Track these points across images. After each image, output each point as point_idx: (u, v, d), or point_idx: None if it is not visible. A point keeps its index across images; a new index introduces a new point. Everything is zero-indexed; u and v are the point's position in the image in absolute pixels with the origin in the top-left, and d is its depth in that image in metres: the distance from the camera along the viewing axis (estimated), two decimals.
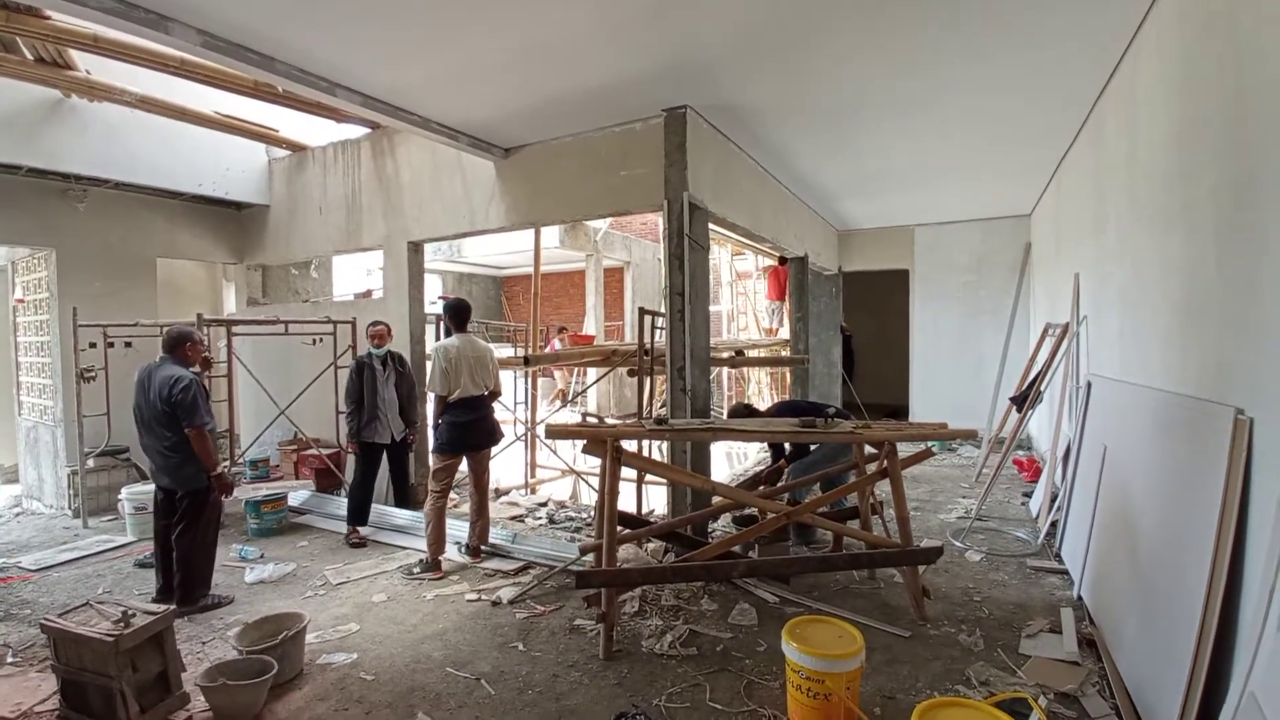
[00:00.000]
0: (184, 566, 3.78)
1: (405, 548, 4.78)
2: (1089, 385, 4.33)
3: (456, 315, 4.58)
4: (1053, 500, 4.79)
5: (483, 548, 4.56)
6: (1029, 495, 5.85)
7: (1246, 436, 2.11)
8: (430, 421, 4.58)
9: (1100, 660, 2.99)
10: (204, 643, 3.41)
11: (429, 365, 4.48)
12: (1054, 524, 4.59)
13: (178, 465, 3.77)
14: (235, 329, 6.04)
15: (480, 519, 4.58)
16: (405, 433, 5.32)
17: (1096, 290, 4.56)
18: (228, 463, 6.55)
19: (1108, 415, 3.83)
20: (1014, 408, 6.10)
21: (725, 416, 5.45)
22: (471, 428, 4.42)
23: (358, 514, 5.06)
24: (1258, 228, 2.06)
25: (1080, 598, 3.62)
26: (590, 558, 4.06)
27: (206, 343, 4.25)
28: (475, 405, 4.43)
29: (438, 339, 4.76)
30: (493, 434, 4.60)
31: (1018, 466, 6.84)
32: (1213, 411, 2.34)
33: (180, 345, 3.92)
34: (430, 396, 4.60)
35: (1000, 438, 6.49)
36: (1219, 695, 2.04)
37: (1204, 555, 2.17)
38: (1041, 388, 5.58)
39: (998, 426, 6.99)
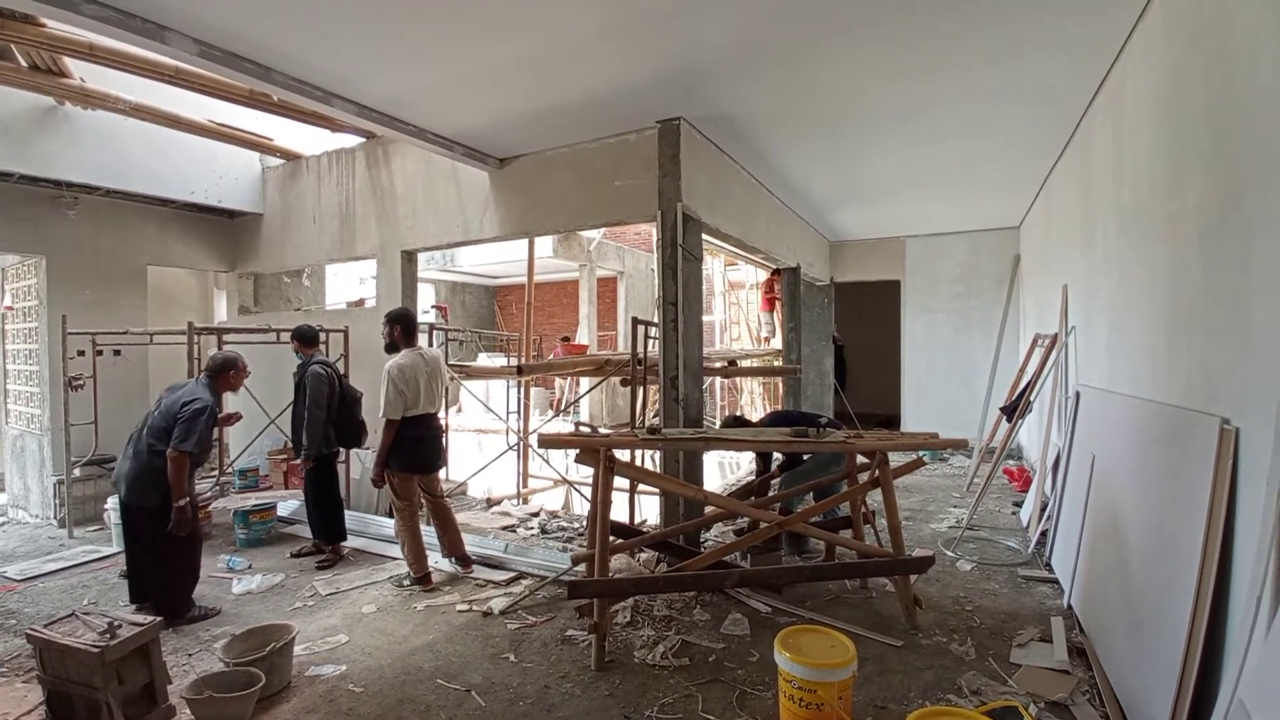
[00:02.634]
0: (164, 589, 3.70)
1: (396, 558, 4.75)
2: (1077, 395, 4.37)
3: (407, 326, 4.30)
4: (1043, 510, 4.82)
5: (472, 558, 4.51)
6: (1019, 505, 5.87)
7: (1232, 446, 2.14)
8: (380, 448, 4.10)
9: (1090, 669, 3.00)
10: (190, 655, 3.37)
11: (381, 384, 4.09)
12: (1044, 533, 4.61)
13: (139, 476, 3.62)
14: (226, 337, 6.01)
15: (446, 533, 4.39)
16: (297, 457, 4.78)
17: (1084, 301, 4.61)
18: (216, 472, 6.52)
19: (1096, 425, 3.86)
20: (1004, 418, 6.13)
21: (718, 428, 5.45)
22: (422, 444, 4.20)
23: (311, 528, 4.97)
24: (1243, 239, 2.10)
25: (1070, 606, 3.63)
26: (582, 568, 4.05)
27: (249, 370, 4.08)
28: (427, 422, 4.24)
29: (391, 351, 4.30)
30: (440, 454, 4.43)
31: (1008, 476, 6.88)
32: (1199, 421, 2.37)
33: (224, 372, 3.87)
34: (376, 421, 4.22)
35: (991, 447, 6.53)
36: (1208, 703, 2.05)
37: (1191, 564, 2.19)
38: (1031, 398, 5.62)
39: (988, 436, 7.03)
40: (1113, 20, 3.27)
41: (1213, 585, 2.11)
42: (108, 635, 2.60)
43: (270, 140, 6.64)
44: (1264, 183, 1.96)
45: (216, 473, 6.50)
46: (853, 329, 11.32)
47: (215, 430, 3.94)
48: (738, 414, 5.94)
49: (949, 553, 4.70)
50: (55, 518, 6.03)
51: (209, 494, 5.99)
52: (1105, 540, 3.22)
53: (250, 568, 4.65)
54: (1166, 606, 2.35)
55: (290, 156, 7.02)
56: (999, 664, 3.10)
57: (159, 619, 2.83)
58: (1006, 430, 5.88)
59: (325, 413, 4.72)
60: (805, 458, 4.65)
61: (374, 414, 5.68)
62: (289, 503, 5.92)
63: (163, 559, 3.69)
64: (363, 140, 6.37)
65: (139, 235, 6.92)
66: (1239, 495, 2.11)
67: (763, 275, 11.03)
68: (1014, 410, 5.77)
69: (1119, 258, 3.64)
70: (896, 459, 3.92)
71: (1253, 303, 2.03)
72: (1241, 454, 2.10)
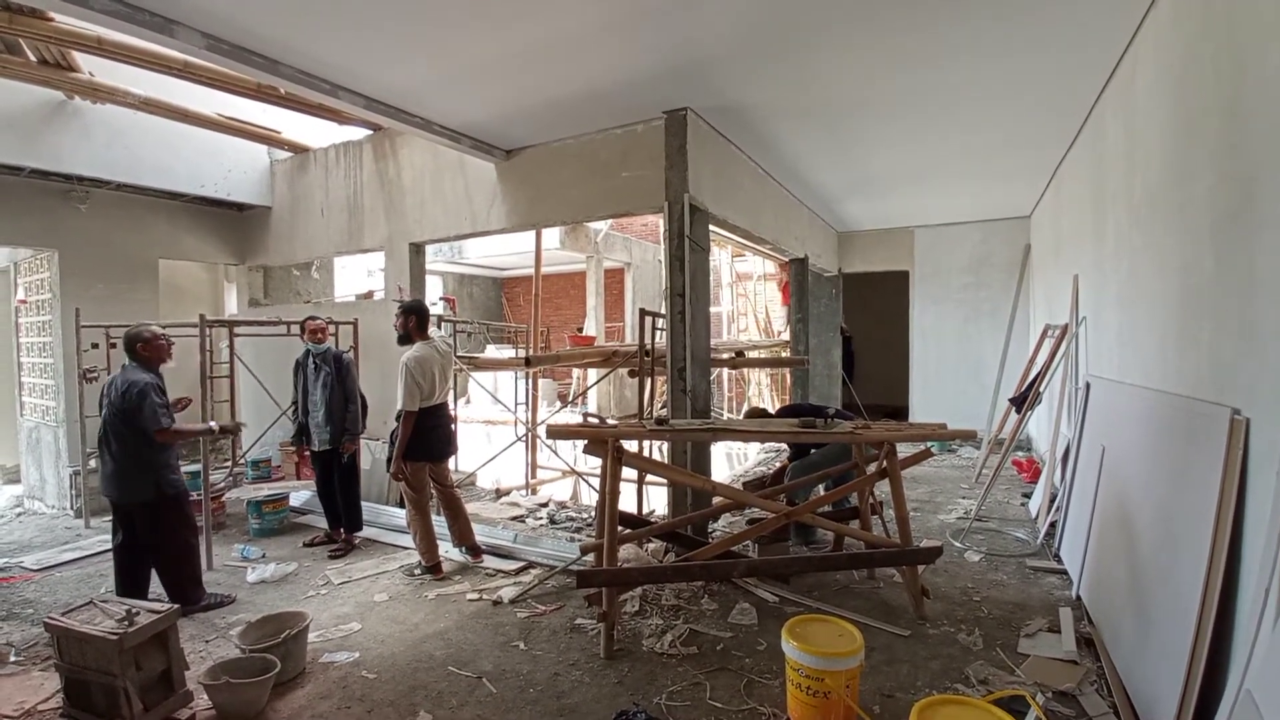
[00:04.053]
0: (167, 578, 3.72)
1: (407, 547, 4.79)
2: (1088, 386, 4.35)
3: (421, 317, 4.34)
4: (1052, 501, 4.81)
5: (482, 548, 4.55)
6: (1028, 496, 5.86)
7: (1243, 437, 2.13)
8: (400, 441, 4.13)
9: (1098, 659, 3.01)
10: (207, 641, 3.43)
11: (400, 377, 4.11)
12: (1053, 524, 4.61)
13: (122, 475, 3.62)
14: (237, 330, 6.06)
15: (456, 522, 4.44)
16: (332, 445, 4.81)
17: (1095, 291, 4.58)
18: (229, 463, 6.59)
19: (1106, 416, 3.84)
20: (1013, 409, 6.11)
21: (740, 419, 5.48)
22: (435, 434, 4.26)
23: (328, 519, 5.04)
24: (1254, 228, 2.08)
25: (1079, 597, 3.63)
26: (591, 557, 4.08)
27: (167, 339, 3.86)
28: (439, 412, 4.32)
29: (403, 343, 4.36)
30: (452, 442, 4.53)
31: (1017, 467, 6.85)
32: (1209, 412, 2.36)
33: (133, 347, 3.73)
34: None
35: (999, 438, 6.51)
36: (1216, 693, 2.06)
37: (1200, 555, 2.18)
38: (1040, 389, 5.59)
39: (997, 427, 7.00)
40: (1123, 9, 3.22)
41: (1221, 576, 2.11)
42: (125, 622, 2.64)
43: (278, 133, 6.66)
44: (1274, 172, 1.94)
45: (230, 463, 6.57)
46: (861, 320, 11.28)
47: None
48: (759, 406, 5.95)
49: (957, 543, 4.70)
50: (71, 508, 6.12)
51: (222, 484, 6.07)
52: (1114, 531, 3.21)
53: (264, 557, 4.71)
54: (1175, 597, 2.35)
55: (298, 149, 7.04)
56: (1007, 654, 3.11)
57: (176, 606, 2.88)
58: (1015, 421, 5.86)
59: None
60: (812, 450, 4.65)
61: (383, 407, 5.73)
62: (301, 493, 5.99)
63: (163, 552, 3.71)
64: (370, 133, 6.38)
65: (150, 229, 6.96)
66: (1249, 486, 2.10)
67: (770, 267, 10.99)
68: (1023, 401, 5.74)
69: (1130, 248, 3.61)
70: (904, 450, 3.92)
71: (1263, 293, 2.02)
72: (1252, 444, 2.09)
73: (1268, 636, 1.75)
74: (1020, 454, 7.26)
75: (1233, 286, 2.25)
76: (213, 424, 3.77)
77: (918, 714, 2.07)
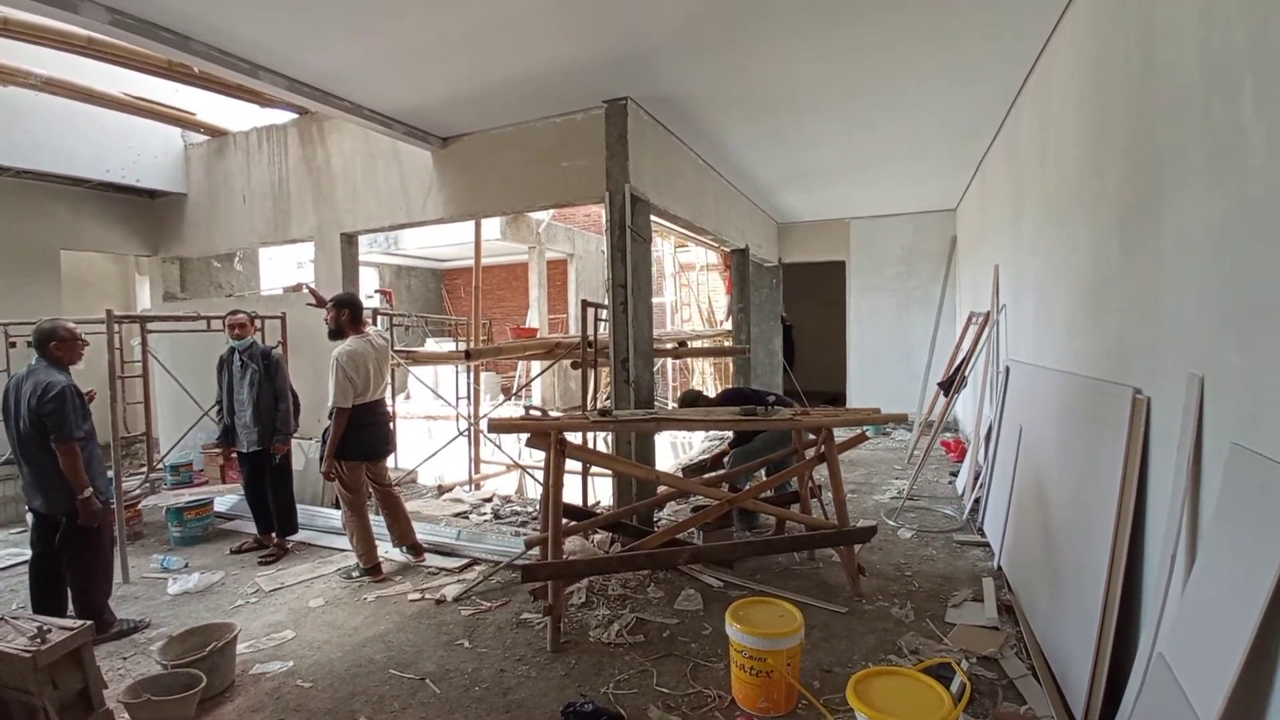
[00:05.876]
0: (80, 598, 3.41)
1: (344, 550, 4.63)
2: (1007, 370, 4.60)
3: (355, 311, 4.20)
4: (976, 478, 5.07)
5: (424, 546, 4.44)
6: (955, 474, 6.16)
7: (1144, 415, 2.29)
8: (332, 439, 3.97)
9: (1018, 624, 3.21)
10: (125, 659, 3.23)
11: (331, 373, 3.95)
12: (977, 500, 4.87)
13: (49, 485, 3.31)
14: (150, 326, 5.69)
15: (396, 521, 4.32)
16: (261, 446, 4.55)
17: (1014, 280, 4.84)
18: (144, 468, 6.19)
19: (1023, 397, 4.08)
20: (941, 392, 6.40)
21: (676, 403, 5.54)
22: (370, 431, 4.12)
23: (258, 523, 4.80)
24: (1156, 219, 2.23)
25: (1000, 567, 3.86)
26: (536, 551, 4.05)
27: (83, 337, 3.58)
28: (374, 409, 4.17)
29: (335, 338, 4.17)
30: (390, 439, 4.44)
31: (945, 448, 7.20)
32: (1113, 392, 2.53)
33: (45, 345, 3.40)
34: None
35: (929, 421, 6.81)
36: (1127, 654, 2.21)
37: (1107, 525, 2.34)
38: (966, 373, 5.88)
39: (927, 410, 7.34)
40: (1044, 4, 3.37)
41: (1127, 545, 2.27)
42: (38, 640, 2.47)
43: (193, 115, 6.26)
44: (1176, 166, 2.08)
45: (145, 469, 6.18)
46: (800, 309, 11.56)
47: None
48: (696, 389, 6.01)
49: (890, 522, 4.90)
50: None
51: (138, 491, 5.70)
52: (1031, 504, 3.42)
53: (187, 566, 4.45)
54: (1085, 564, 2.52)
55: (215, 133, 6.63)
56: (935, 624, 3.28)
57: (89, 623, 2.69)
58: (944, 404, 6.15)
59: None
60: (755, 437, 4.75)
61: (316, 404, 5.51)
62: (227, 498, 5.70)
63: (84, 567, 3.42)
64: (296, 116, 6.07)
65: (50, 217, 6.45)
66: (1151, 459, 2.27)
67: (713, 258, 11.11)
68: (950, 385, 6.03)
69: (1045, 238, 3.82)
70: (841, 434, 4.05)
71: (1162, 279, 2.17)
72: (1153, 421, 2.25)
73: (1176, 603, 1.87)
74: (948, 435, 7.63)
75: (1135, 273, 2.42)
76: (89, 492, 3.32)
77: (853, 687, 2.15)
